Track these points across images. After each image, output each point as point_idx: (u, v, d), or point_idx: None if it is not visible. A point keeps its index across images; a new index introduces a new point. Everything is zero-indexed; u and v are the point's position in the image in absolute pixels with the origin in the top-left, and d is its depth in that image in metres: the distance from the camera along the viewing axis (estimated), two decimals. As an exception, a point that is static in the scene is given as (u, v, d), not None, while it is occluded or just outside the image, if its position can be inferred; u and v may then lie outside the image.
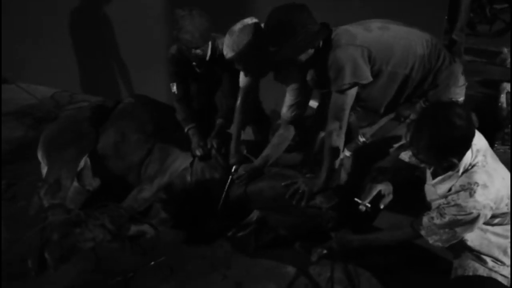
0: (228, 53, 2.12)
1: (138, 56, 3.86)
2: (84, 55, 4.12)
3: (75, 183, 2.54)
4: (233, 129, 2.51)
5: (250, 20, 2.11)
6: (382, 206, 1.96)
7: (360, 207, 1.95)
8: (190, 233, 2.41)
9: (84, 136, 2.61)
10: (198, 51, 2.41)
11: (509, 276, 1.79)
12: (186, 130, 2.57)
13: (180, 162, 2.50)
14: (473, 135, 1.66)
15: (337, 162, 2.14)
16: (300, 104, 2.27)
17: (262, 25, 2.08)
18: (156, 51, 3.68)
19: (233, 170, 2.40)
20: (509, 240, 1.78)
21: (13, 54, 4.24)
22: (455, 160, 1.67)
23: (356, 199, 1.96)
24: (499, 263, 1.78)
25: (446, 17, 3.42)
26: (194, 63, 2.54)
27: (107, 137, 2.61)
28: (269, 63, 2.16)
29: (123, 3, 3.72)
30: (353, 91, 2.01)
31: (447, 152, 1.65)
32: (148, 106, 2.78)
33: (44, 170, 2.55)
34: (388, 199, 1.97)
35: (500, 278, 1.78)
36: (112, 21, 3.82)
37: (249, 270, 2.17)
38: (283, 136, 2.35)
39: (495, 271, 1.78)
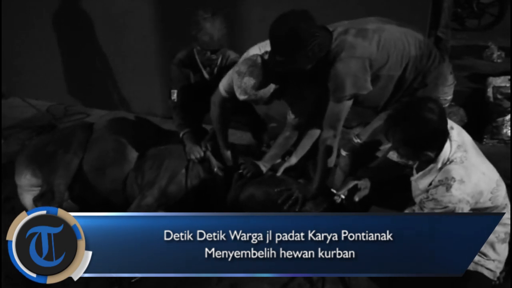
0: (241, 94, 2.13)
1: (134, 67, 3.88)
2: (78, 66, 4.14)
3: None
4: (218, 138, 2.54)
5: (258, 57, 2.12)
6: (357, 199, 2.02)
7: (335, 197, 2.03)
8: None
9: (76, 139, 2.58)
10: (213, 55, 2.47)
11: (495, 269, 1.84)
12: (181, 135, 2.60)
13: (177, 163, 2.46)
14: (446, 128, 1.71)
15: (330, 168, 2.18)
16: (305, 112, 2.32)
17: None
18: (152, 62, 3.71)
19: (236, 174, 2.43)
20: (496, 235, 1.81)
21: (7, 67, 4.27)
22: (431, 154, 1.72)
23: (332, 189, 2.04)
24: (484, 257, 1.82)
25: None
26: (204, 69, 2.60)
27: (90, 153, 2.55)
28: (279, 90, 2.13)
29: (119, 13, 3.73)
30: (349, 102, 2.04)
31: (422, 146, 1.70)
32: (128, 122, 2.76)
33: (22, 177, 2.58)
34: (363, 192, 2.02)
35: (486, 272, 1.82)
36: (109, 33, 3.84)
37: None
38: (289, 137, 2.43)
39: (481, 265, 1.82)
